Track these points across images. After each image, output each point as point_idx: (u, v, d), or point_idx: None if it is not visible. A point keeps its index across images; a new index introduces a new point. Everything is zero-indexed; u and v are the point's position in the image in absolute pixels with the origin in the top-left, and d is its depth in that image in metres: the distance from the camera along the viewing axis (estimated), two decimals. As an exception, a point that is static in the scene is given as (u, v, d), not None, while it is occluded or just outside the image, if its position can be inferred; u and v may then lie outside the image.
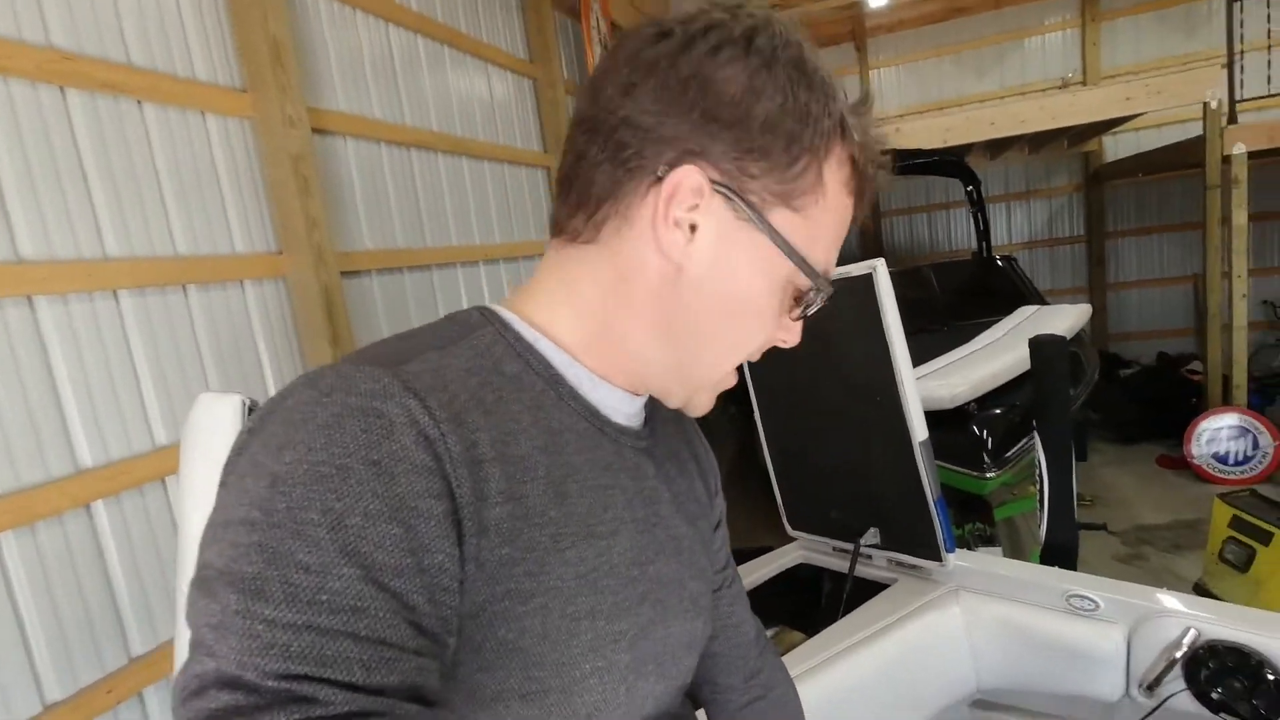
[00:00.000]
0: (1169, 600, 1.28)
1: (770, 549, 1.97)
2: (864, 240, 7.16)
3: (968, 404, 2.39)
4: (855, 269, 1.51)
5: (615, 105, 0.50)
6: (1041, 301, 3.70)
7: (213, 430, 0.68)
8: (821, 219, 0.53)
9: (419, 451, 0.42)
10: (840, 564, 1.72)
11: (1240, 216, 3.99)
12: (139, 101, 1.78)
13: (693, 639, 0.63)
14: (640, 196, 0.51)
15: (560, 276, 0.56)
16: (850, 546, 1.67)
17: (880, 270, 1.48)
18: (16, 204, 1.51)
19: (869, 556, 1.70)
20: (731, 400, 1.95)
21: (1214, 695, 1.17)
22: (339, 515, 0.39)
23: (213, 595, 0.38)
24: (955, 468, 2.41)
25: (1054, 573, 1.44)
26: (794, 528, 1.87)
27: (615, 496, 0.55)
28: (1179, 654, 1.20)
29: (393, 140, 2.67)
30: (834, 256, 0.56)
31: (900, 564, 1.64)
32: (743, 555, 2.06)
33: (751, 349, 0.57)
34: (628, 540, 0.55)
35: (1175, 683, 1.21)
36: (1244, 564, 2.42)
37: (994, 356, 2.65)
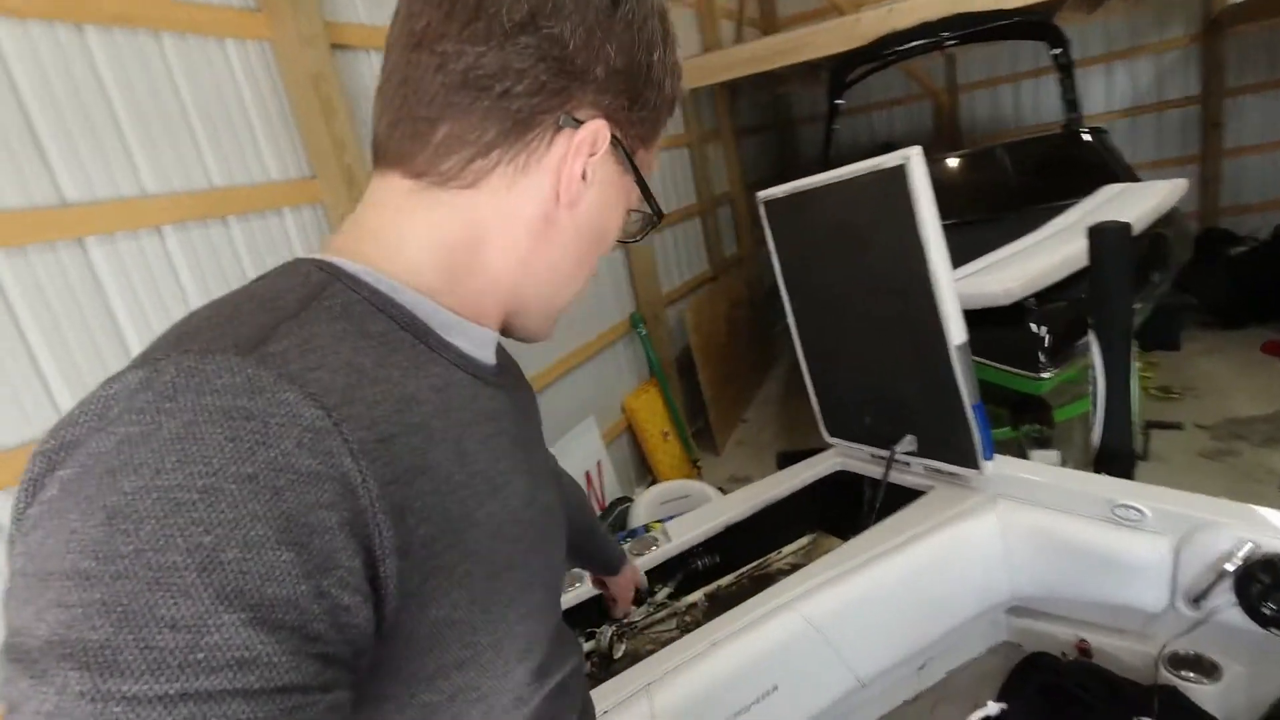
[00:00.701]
0: (1224, 510, 1.19)
1: (819, 450, 1.95)
2: (939, 119, 6.57)
3: (1025, 299, 2.22)
4: (888, 159, 1.39)
5: (508, 47, 0.47)
6: (1131, 178, 3.31)
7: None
8: (654, 152, 0.59)
9: (305, 455, 0.36)
10: (878, 471, 1.68)
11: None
12: (155, 32, 1.78)
13: (562, 554, 0.66)
14: (543, 147, 0.50)
15: (414, 220, 0.51)
16: (887, 454, 1.64)
17: (915, 160, 1.36)
18: (53, 148, 1.57)
19: (906, 464, 1.66)
20: (783, 315, 1.89)
21: (1266, 610, 1.11)
22: (210, 551, 0.32)
23: (41, 675, 0.30)
24: (1008, 368, 2.26)
25: (1099, 481, 1.36)
26: (831, 435, 1.84)
27: (502, 443, 0.53)
28: (1230, 566, 1.14)
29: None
30: None
31: (937, 471, 1.60)
32: (793, 457, 2.06)
33: (596, 270, 0.60)
34: (519, 483, 0.54)
35: (1225, 595, 1.15)
36: (1343, 461, 2.22)
37: (1059, 245, 2.41)
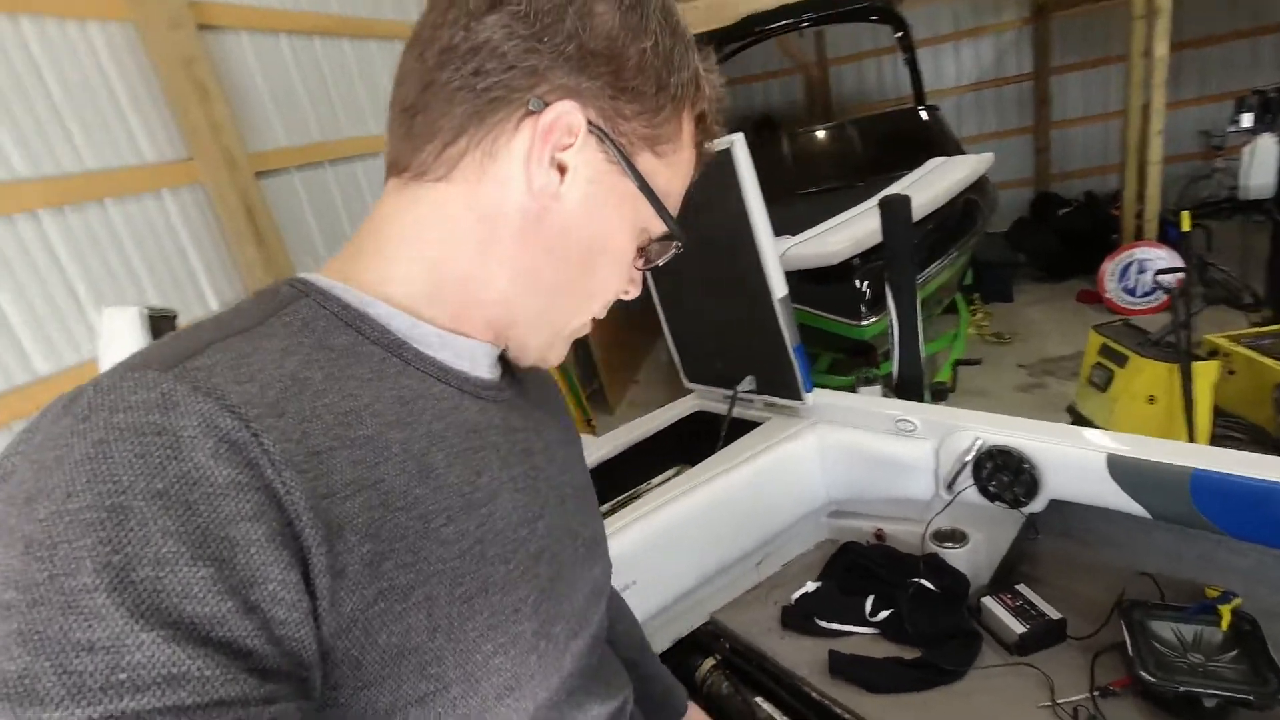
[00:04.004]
0: (965, 418, 1.55)
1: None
2: (810, 90, 7.03)
3: (852, 259, 2.59)
4: (715, 144, 1.65)
5: (476, 26, 0.46)
6: (956, 152, 3.80)
7: (111, 344, 0.84)
8: (678, 168, 0.54)
9: (221, 466, 0.35)
10: (726, 409, 1.99)
11: (1161, 48, 4.02)
12: (12, 15, 1.79)
13: (596, 586, 0.61)
14: (510, 129, 0.47)
15: (397, 222, 0.50)
16: (731, 393, 1.94)
17: (738, 145, 1.63)
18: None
19: (750, 400, 1.97)
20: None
21: (990, 488, 1.47)
22: (120, 570, 0.31)
23: None
24: (837, 317, 2.66)
25: (887, 403, 1.71)
26: (690, 380, 2.13)
27: (488, 458, 0.50)
28: (968, 458, 1.49)
29: (292, 29, 2.63)
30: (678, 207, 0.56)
31: (772, 405, 1.91)
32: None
33: (609, 297, 0.56)
34: (509, 501, 0.51)
35: (966, 480, 1.51)
36: (1104, 384, 2.75)
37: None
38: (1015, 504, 1.44)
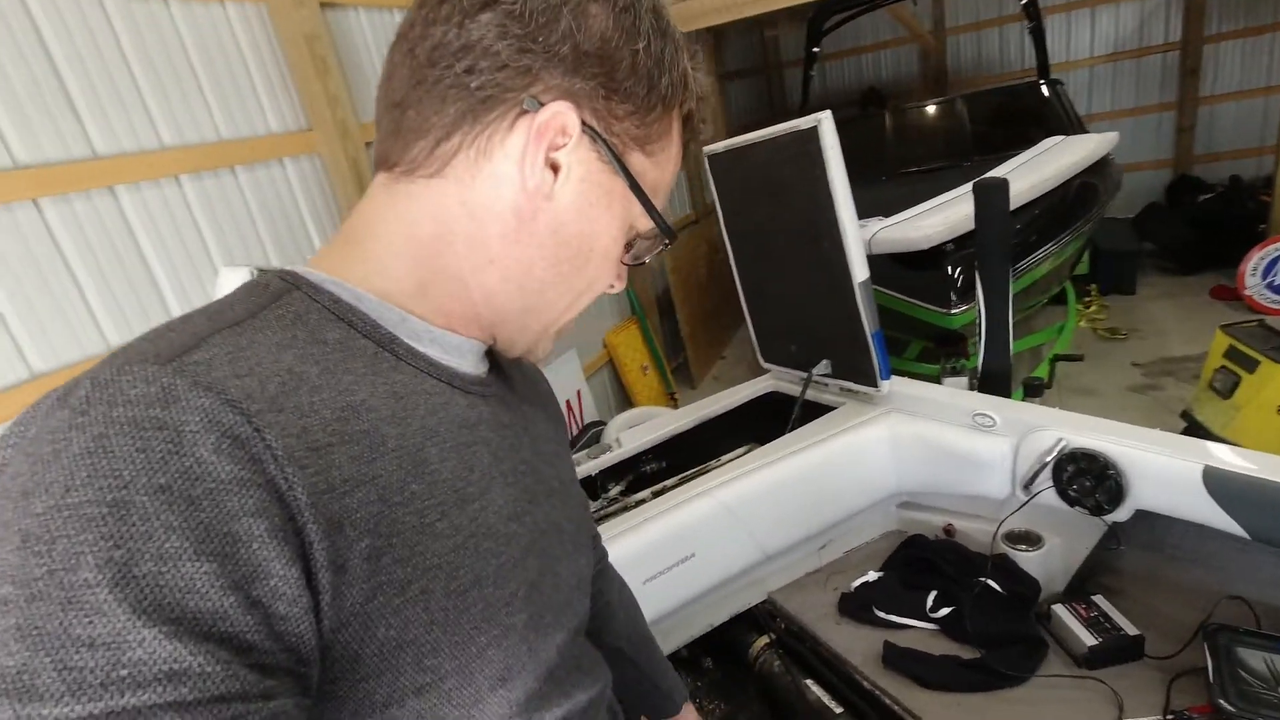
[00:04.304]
0: (1048, 417, 1.48)
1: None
2: (925, 63, 6.64)
3: (945, 243, 2.47)
4: (803, 122, 1.63)
5: (469, 25, 0.46)
6: (1077, 130, 3.50)
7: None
8: (666, 166, 0.55)
9: (224, 462, 0.35)
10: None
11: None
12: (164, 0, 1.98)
13: (580, 578, 0.62)
14: (504, 129, 0.48)
15: (387, 217, 0.50)
16: (806, 376, 1.92)
17: (825, 123, 1.59)
18: (83, 105, 1.80)
19: (825, 384, 1.95)
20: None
21: (1071, 492, 1.41)
22: (123, 565, 0.31)
23: None
24: (925, 304, 2.54)
25: (966, 395, 1.65)
26: (766, 360, 2.13)
27: (479, 453, 0.51)
28: (1049, 459, 1.43)
29: (403, 5, 2.76)
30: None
31: (847, 390, 1.89)
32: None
33: (595, 293, 0.56)
34: (500, 496, 0.52)
35: (1045, 482, 1.45)
36: (1228, 391, 2.52)
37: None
38: (1097, 511, 1.37)
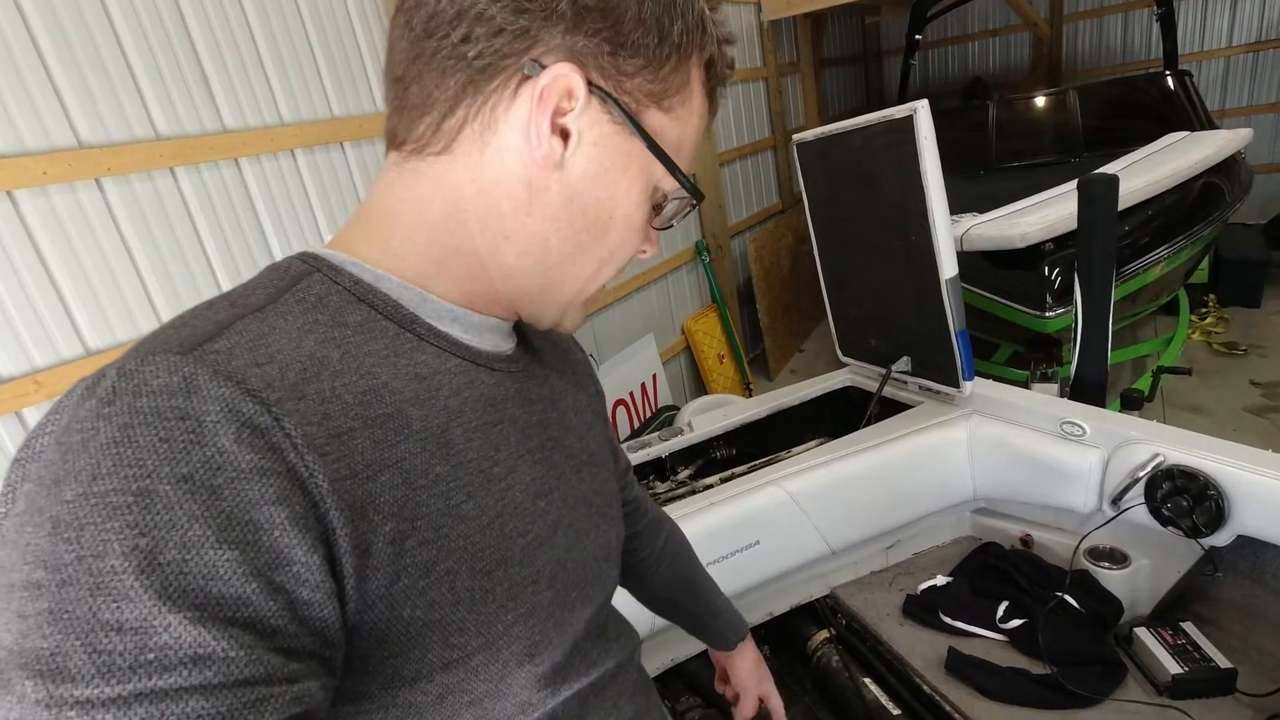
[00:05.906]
0: (1144, 430, 1.40)
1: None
2: (1038, 52, 6.25)
3: (1043, 243, 2.33)
4: (896, 111, 1.59)
5: None
6: (1205, 126, 3.21)
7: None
8: (689, 120, 0.51)
9: (244, 451, 0.36)
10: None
11: None
12: (288, -18, 2.11)
13: (609, 551, 0.62)
14: (507, 98, 0.46)
15: (400, 197, 0.49)
16: (884, 371, 1.89)
17: (921, 113, 1.55)
18: (216, 81, 1.95)
19: (904, 381, 1.90)
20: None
21: (1164, 510, 1.33)
22: (148, 553, 0.33)
23: (6, 685, 0.31)
24: (1018, 305, 2.40)
25: (1054, 402, 1.58)
26: (844, 354, 2.09)
27: (506, 431, 0.51)
28: (1141, 474, 1.36)
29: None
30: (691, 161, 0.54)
31: (927, 389, 1.84)
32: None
33: (623, 261, 0.54)
34: (528, 473, 0.52)
35: (1135, 498, 1.38)
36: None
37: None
38: (1193, 533, 1.30)
